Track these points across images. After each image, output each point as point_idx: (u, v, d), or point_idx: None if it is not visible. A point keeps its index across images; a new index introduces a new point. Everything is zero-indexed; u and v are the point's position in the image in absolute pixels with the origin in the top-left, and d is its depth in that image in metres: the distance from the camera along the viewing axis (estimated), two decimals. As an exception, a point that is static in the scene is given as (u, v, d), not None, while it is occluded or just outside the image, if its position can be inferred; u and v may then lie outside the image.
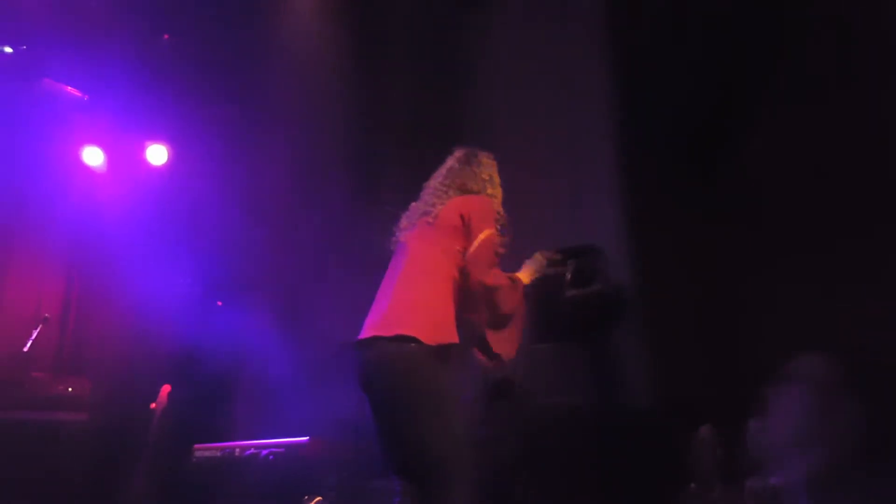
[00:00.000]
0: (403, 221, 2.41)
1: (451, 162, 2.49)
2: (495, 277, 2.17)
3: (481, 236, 2.18)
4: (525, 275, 2.45)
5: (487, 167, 2.51)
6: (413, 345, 1.99)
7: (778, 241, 3.78)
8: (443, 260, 2.16)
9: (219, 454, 3.69)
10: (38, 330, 4.54)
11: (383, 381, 2.04)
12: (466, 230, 2.19)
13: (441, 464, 1.94)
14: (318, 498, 4.64)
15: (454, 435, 1.97)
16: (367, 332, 2.11)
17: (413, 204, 2.45)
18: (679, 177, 4.30)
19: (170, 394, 4.73)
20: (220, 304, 4.84)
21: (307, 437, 3.36)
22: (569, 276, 4.76)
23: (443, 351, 2.04)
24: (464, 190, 2.37)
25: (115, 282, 5.09)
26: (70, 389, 4.60)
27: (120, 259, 5.03)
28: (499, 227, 2.35)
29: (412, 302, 2.09)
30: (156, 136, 5.25)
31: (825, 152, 3.61)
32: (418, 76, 4.91)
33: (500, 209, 2.45)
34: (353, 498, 4.44)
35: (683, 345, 4.12)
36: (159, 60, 5.03)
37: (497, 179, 2.53)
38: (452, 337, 2.07)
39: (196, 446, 3.92)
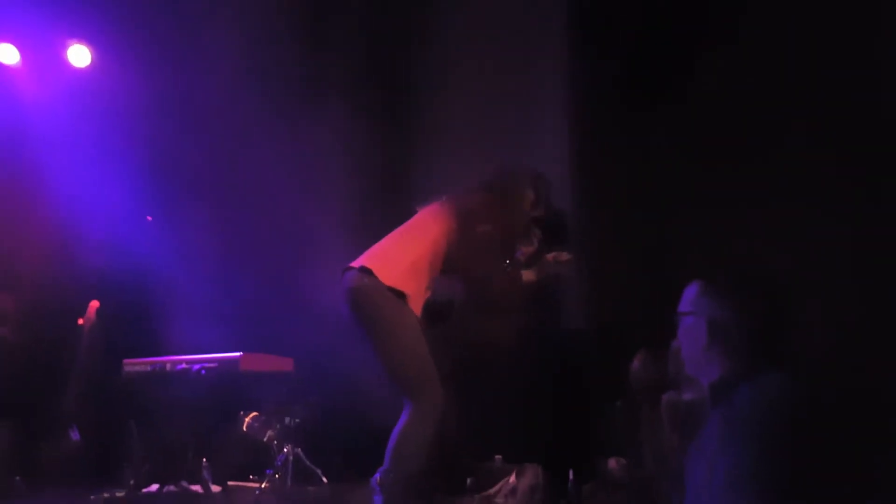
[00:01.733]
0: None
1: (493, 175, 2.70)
2: (484, 264, 2.41)
3: (480, 229, 2.41)
4: (529, 273, 2.63)
5: (528, 188, 2.68)
6: (368, 278, 2.31)
7: (720, 170, 3.83)
8: (433, 228, 2.43)
9: (149, 368, 3.61)
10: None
11: (348, 304, 2.39)
12: (466, 218, 2.43)
13: (403, 380, 2.34)
14: (255, 413, 4.63)
15: (408, 355, 2.31)
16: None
17: None
18: (626, 104, 4.28)
19: (98, 310, 4.57)
20: (149, 218, 4.63)
21: (240, 353, 3.29)
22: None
23: (394, 293, 2.31)
24: (498, 186, 2.61)
25: (38, 190, 4.78)
26: (-10, 303, 4.38)
27: (44, 166, 4.71)
28: (511, 234, 2.58)
29: (385, 248, 2.44)
30: (78, 36, 4.85)
31: (773, 85, 3.63)
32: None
33: (527, 228, 2.66)
34: (290, 413, 4.45)
35: (623, 270, 4.19)
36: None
37: (531, 198, 2.68)
38: (404, 286, 2.33)
39: (126, 361, 3.81)
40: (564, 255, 2.73)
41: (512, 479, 4.10)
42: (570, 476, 3.91)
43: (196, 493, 3.67)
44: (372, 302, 2.34)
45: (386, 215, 5.30)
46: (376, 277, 2.31)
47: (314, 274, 4.52)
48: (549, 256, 2.68)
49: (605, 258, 4.35)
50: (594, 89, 4.56)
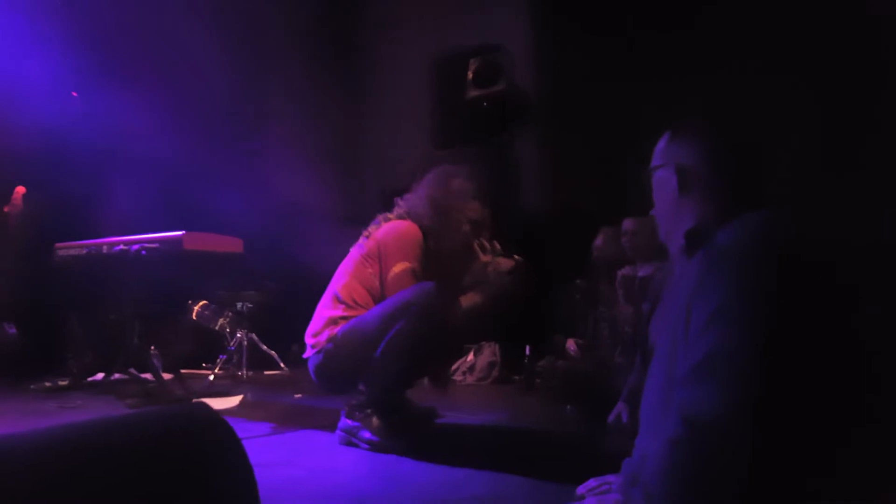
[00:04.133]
0: (369, 228, 2.56)
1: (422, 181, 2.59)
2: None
3: (395, 269, 2.34)
4: (471, 297, 2.39)
5: (447, 192, 2.52)
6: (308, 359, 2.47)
7: (684, 46, 3.69)
8: (354, 285, 2.42)
9: (83, 252, 3.36)
10: None
11: None
12: (381, 258, 2.39)
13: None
14: (204, 301, 4.49)
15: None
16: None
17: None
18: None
19: (25, 196, 4.25)
20: (74, 94, 4.23)
21: (182, 231, 3.08)
22: (470, 75, 4.51)
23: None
24: (410, 213, 2.49)
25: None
26: None
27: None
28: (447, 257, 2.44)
29: (315, 321, 2.47)
30: None
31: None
32: None
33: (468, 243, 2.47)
34: (241, 298, 4.32)
35: (586, 147, 4.08)
36: None
37: (458, 204, 2.50)
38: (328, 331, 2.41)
39: (57, 245, 3.55)
40: (506, 263, 2.45)
41: (470, 356, 4.12)
42: (527, 352, 3.94)
43: (147, 380, 3.56)
44: (318, 373, 2.45)
45: (336, 80, 5.08)
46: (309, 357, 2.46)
47: (259, 149, 4.30)
48: (490, 269, 2.43)
49: (565, 136, 4.22)
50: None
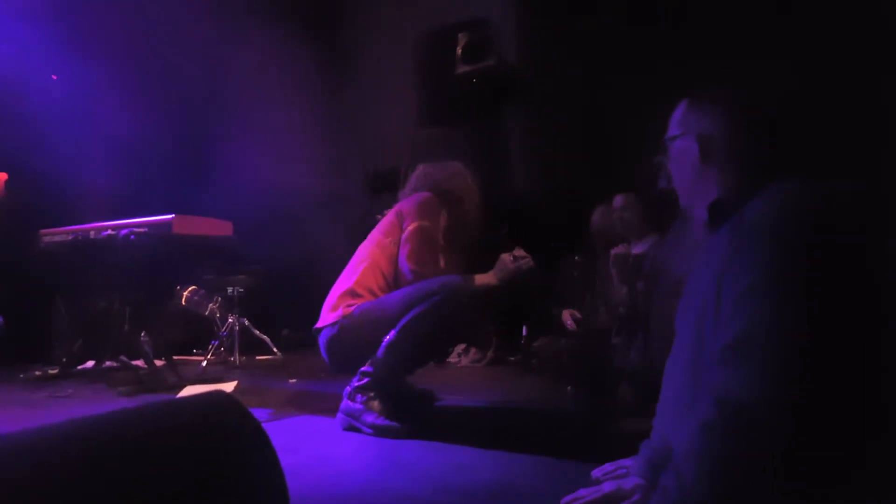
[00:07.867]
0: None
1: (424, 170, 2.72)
2: (422, 265, 2.39)
3: (409, 228, 2.45)
4: (485, 277, 2.47)
5: (447, 174, 2.65)
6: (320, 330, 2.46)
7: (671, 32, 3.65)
8: (376, 254, 2.48)
9: (69, 237, 3.27)
10: None
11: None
12: (400, 225, 2.49)
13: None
14: (193, 287, 4.42)
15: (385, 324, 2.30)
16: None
17: None
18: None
19: (7, 182, 4.13)
20: (54, 77, 4.10)
21: (172, 215, 3.00)
22: (459, 50, 4.43)
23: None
24: (433, 186, 2.61)
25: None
26: None
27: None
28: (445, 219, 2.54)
29: (332, 295, 2.47)
30: None
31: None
32: None
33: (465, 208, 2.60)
34: (232, 283, 4.25)
35: (575, 125, 4.03)
36: None
37: (462, 186, 2.64)
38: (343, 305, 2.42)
39: (42, 231, 3.46)
40: (521, 252, 2.53)
41: (465, 338, 4.09)
42: (524, 332, 3.92)
43: (138, 367, 3.48)
44: (329, 345, 2.43)
45: (320, 57, 4.98)
46: (322, 327, 2.44)
47: (247, 130, 4.20)
48: (507, 256, 2.50)
49: (556, 112, 4.17)
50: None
